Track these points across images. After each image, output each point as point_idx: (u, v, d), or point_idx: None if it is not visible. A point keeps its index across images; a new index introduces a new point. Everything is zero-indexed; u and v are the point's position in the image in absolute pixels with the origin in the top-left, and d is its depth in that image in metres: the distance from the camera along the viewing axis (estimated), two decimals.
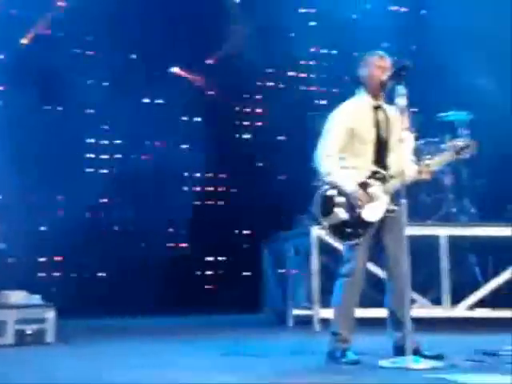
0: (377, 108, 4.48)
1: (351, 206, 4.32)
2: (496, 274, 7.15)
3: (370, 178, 4.39)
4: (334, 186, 4.37)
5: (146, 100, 9.34)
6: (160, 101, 9.41)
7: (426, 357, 4.22)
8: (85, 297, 8.30)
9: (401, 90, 4.26)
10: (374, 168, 4.42)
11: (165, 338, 6.25)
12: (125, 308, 8.00)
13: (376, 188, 4.37)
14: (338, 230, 4.33)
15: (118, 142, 9.17)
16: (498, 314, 6.98)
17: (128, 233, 8.93)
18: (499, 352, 4.31)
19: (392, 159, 4.44)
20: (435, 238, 6.82)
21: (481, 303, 6.96)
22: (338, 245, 6.44)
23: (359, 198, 4.32)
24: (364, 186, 4.37)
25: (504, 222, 7.17)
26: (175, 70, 9.54)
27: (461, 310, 6.84)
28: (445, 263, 6.77)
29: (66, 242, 8.24)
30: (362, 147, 4.42)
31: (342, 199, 4.34)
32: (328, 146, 4.43)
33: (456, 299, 6.85)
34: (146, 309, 8.13)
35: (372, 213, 4.34)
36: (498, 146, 8.02)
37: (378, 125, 4.45)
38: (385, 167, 4.44)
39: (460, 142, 4.55)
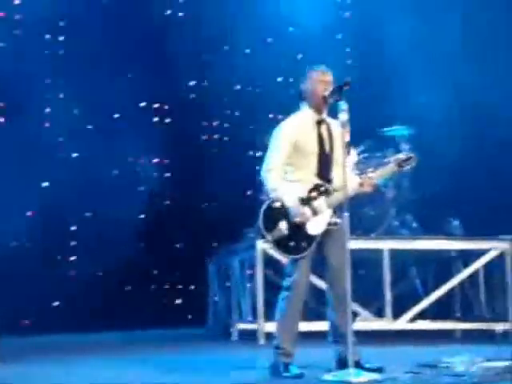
0: (320, 122, 4.53)
1: (295, 221, 4.35)
2: (436, 286, 7.29)
3: (313, 191, 4.43)
4: (278, 200, 4.39)
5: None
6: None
7: (367, 369, 4.25)
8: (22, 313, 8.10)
9: (342, 105, 4.32)
10: (318, 181, 4.46)
11: (108, 353, 6.13)
12: (64, 324, 7.83)
13: (320, 201, 4.41)
14: (282, 243, 4.35)
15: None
16: (438, 325, 7.12)
17: (65, 246, 8.75)
18: (438, 364, 4.38)
19: (335, 173, 4.50)
20: (377, 252, 6.91)
21: (421, 315, 7.08)
22: (283, 258, 6.49)
23: (300, 213, 4.35)
24: (308, 200, 4.40)
25: (445, 236, 7.33)
26: None
27: (402, 323, 6.93)
28: (387, 276, 6.86)
29: None
30: (305, 161, 4.46)
31: (286, 213, 4.36)
32: (272, 160, 4.47)
33: (398, 312, 6.95)
34: (88, 324, 7.97)
35: (315, 226, 4.38)
36: (440, 159, 8.21)
37: (321, 139, 4.50)
38: (328, 180, 4.49)
39: (402, 155, 4.64)
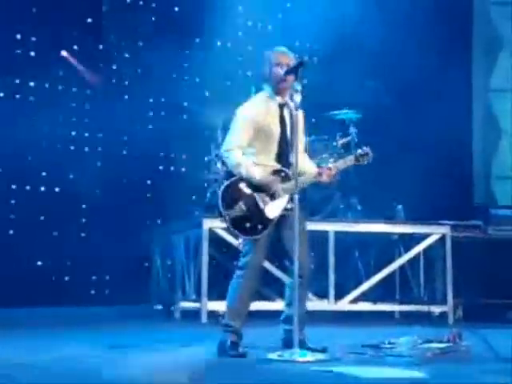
0: (282, 106, 4.50)
1: (254, 201, 4.34)
2: (378, 269, 7.42)
3: (273, 175, 4.41)
4: (240, 178, 4.36)
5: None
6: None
7: (311, 350, 4.31)
8: None
9: (297, 85, 4.31)
10: (278, 166, 4.45)
11: (51, 330, 6.01)
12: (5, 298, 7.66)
13: (279, 186, 4.41)
14: (239, 223, 4.33)
15: None
16: (378, 307, 7.27)
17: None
18: (381, 345, 4.48)
19: (294, 159, 4.49)
20: (323, 234, 6.98)
21: (363, 297, 7.21)
22: (229, 237, 6.50)
23: (272, 181, 4.35)
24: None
25: (388, 220, 7.45)
26: (64, 53, 9.14)
27: (344, 304, 7.04)
28: (332, 258, 6.94)
29: None
30: (266, 144, 4.43)
31: (245, 193, 4.35)
32: (235, 139, 4.42)
33: (339, 293, 7.05)
34: (31, 299, 7.82)
35: (273, 210, 4.38)
36: (387, 145, 8.32)
37: (283, 122, 4.47)
38: (288, 166, 4.46)
39: (360, 151, 4.68)
